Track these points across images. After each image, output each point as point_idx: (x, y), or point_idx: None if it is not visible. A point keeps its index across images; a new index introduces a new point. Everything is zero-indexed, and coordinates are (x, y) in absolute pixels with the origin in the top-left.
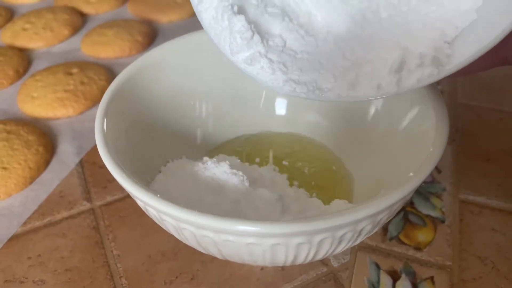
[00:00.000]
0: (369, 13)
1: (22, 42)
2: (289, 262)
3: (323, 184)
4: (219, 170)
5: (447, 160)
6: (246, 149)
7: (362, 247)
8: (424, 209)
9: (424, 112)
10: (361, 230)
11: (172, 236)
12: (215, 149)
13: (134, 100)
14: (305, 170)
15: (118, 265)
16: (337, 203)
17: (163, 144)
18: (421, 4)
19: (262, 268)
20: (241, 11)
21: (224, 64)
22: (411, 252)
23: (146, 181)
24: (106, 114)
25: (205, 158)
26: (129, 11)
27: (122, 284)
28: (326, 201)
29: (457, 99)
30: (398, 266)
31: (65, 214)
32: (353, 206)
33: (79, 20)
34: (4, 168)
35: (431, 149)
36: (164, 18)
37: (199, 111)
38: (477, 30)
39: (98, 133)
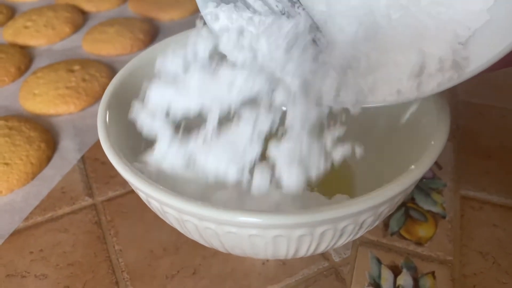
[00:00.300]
0: (379, 16)
1: (24, 39)
2: (290, 254)
3: (323, 179)
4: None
5: (448, 157)
6: None
7: (364, 242)
8: (425, 205)
9: (425, 105)
10: (363, 222)
11: (173, 231)
12: None
13: (136, 95)
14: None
15: (120, 259)
16: (338, 197)
17: None
18: (431, 4)
19: (263, 263)
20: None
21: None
22: (412, 247)
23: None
24: (108, 107)
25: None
26: (130, 9)
27: (124, 279)
28: (327, 196)
29: (458, 96)
30: (399, 261)
31: (67, 209)
32: (354, 198)
33: (80, 18)
34: (6, 164)
35: (432, 142)
36: (165, 16)
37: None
38: (492, 32)
39: (101, 126)
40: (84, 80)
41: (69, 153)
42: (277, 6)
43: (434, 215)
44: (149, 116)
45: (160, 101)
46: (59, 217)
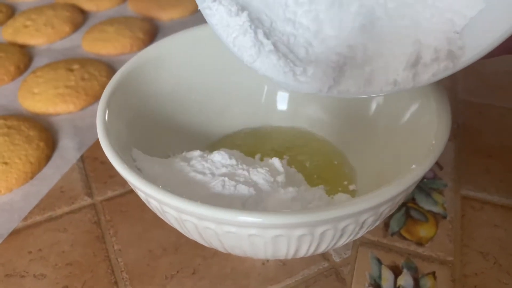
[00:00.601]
0: (376, 5)
1: (23, 38)
2: (290, 255)
3: (325, 178)
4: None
5: (449, 156)
6: (247, 143)
7: (364, 242)
8: (426, 205)
9: (425, 105)
10: (363, 222)
11: (173, 231)
12: (215, 143)
13: (136, 94)
14: (307, 164)
15: (119, 259)
16: (340, 197)
17: (164, 137)
18: None
19: (263, 263)
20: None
21: (225, 58)
22: (412, 247)
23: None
24: (108, 106)
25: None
26: (129, 8)
27: (123, 278)
28: (328, 194)
29: (458, 95)
30: (400, 261)
31: (66, 209)
32: (355, 198)
33: (80, 17)
34: (5, 163)
35: (433, 141)
36: (165, 16)
37: (200, 105)
38: (487, 20)
39: (100, 125)
40: (83, 79)
41: (68, 152)
42: None
43: (435, 215)
44: None
45: None
46: (58, 216)
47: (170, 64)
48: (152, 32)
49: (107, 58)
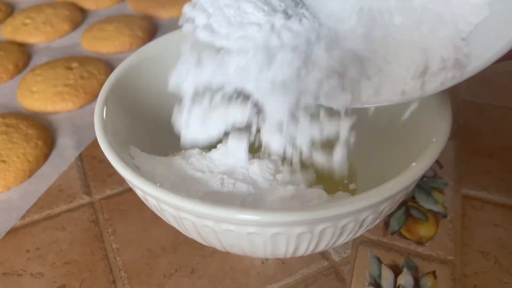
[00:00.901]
0: (380, 15)
1: (22, 37)
2: (290, 253)
3: (325, 176)
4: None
5: (449, 156)
6: None
7: (364, 241)
8: (426, 204)
9: (426, 103)
10: (363, 220)
11: (171, 230)
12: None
13: (134, 91)
14: (306, 163)
15: (117, 258)
16: (340, 195)
17: (162, 135)
18: (431, 0)
19: (262, 262)
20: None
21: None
22: (413, 247)
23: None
24: (106, 103)
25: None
26: (129, 6)
27: (121, 277)
28: (328, 193)
29: (459, 95)
30: (400, 260)
31: (64, 207)
32: (355, 195)
33: (79, 16)
34: (3, 161)
35: (434, 139)
36: (164, 14)
37: None
38: (493, 27)
39: (98, 123)
40: (82, 77)
41: (66, 150)
42: (280, 5)
43: (435, 214)
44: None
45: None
46: (56, 215)
47: (168, 62)
48: (152, 30)
49: (107, 56)
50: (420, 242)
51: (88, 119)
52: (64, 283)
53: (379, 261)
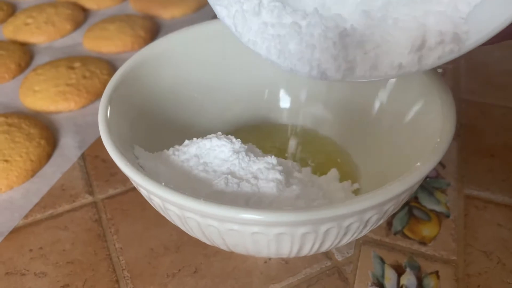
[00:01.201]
0: None
1: (24, 36)
2: (294, 253)
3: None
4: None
5: (452, 156)
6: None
7: (366, 241)
8: (429, 204)
9: (430, 103)
10: (368, 220)
11: (174, 229)
12: None
13: (138, 91)
14: (309, 162)
15: (120, 257)
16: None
17: (166, 135)
18: None
19: (265, 262)
20: None
21: (227, 56)
22: (415, 247)
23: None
24: (110, 103)
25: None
26: (131, 6)
27: (124, 277)
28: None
29: (461, 95)
30: (403, 260)
31: (67, 207)
32: (360, 195)
33: (81, 15)
34: (6, 161)
35: (438, 139)
36: (166, 14)
37: (202, 103)
38: (490, 7)
39: (102, 122)
40: (84, 77)
41: (69, 150)
42: None
43: (438, 214)
44: None
45: None
46: (59, 214)
47: (172, 62)
48: (154, 30)
49: (108, 56)
50: (423, 242)
51: (90, 119)
52: (67, 282)
53: (382, 261)
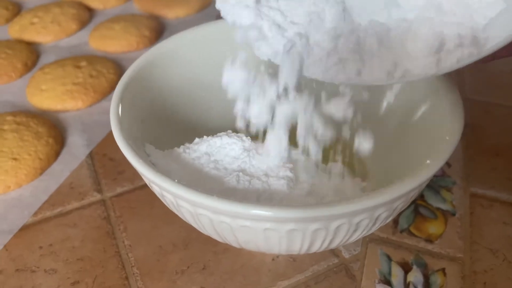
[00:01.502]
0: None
1: (30, 36)
2: (304, 250)
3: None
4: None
5: (457, 154)
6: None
7: (373, 239)
8: (435, 202)
9: (437, 102)
10: (377, 217)
11: (183, 227)
12: None
13: (147, 89)
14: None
15: (130, 254)
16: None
17: (176, 133)
18: None
19: (273, 259)
20: None
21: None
22: (422, 244)
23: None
24: (121, 101)
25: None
26: (135, 6)
27: (134, 274)
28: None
29: (466, 94)
30: (409, 257)
31: (75, 204)
32: (371, 192)
33: (86, 15)
34: (15, 159)
35: (447, 137)
36: (171, 14)
37: (210, 101)
38: (508, 16)
39: (114, 120)
40: (91, 76)
41: (77, 148)
42: None
43: (444, 212)
44: None
45: None
46: (68, 212)
47: (181, 61)
48: (159, 30)
49: (114, 55)
50: (429, 240)
51: (97, 118)
52: (77, 279)
53: (389, 259)
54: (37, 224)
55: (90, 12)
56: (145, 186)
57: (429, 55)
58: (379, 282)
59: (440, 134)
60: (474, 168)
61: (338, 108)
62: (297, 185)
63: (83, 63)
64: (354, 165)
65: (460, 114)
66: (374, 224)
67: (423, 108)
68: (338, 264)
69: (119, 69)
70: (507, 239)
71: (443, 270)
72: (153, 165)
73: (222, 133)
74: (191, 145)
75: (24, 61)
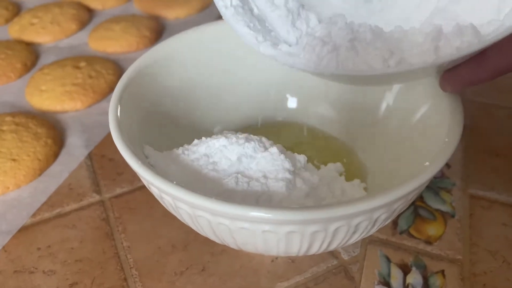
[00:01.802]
0: None
1: (30, 36)
2: (303, 251)
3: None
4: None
5: (457, 156)
6: None
7: (373, 240)
8: (434, 204)
9: (437, 103)
10: (376, 219)
11: (181, 228)
12: None
13: (146, 90)
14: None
15: (128, 256)
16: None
17: (174, 134)
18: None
19: (272, 260)
20: None
21: (235, 56)
22: (421, 246)
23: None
24: (120, 102)
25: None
26: (135, 6)
27: (132, 275)
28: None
29: (466, 95)
30: (409, 259)
31: (74, 206)
32: (369, 194)
33: (86, 15)
34: (14, 160)
35: (446, 139)
36: (170, 14)
37: (210, 103)
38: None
39: (113, 122)
40: (90, 77)
41: (76, 149)
42: None
43: (443, 214)
44: None
45: None
46: (66, 213)
47: (180, 62)
48: (158, 30)
49: (114, 56)
50: (428, 242)
51: (96, 118)
52: (76, 280)
53: (388, 260)
54: (35, 225)
55: (90, 13)
56: (144, 187)
57: (425, 42)
58: (378, 284)
59: (440, 136)
60: (474, 170)
61: None
62: (296, 187)
63: (83, 64)
64: (354, 166)
65: (459, 115)
66: (373, 226)
67: (422, 110)
68: (337, 266)
69: (119, 70)
70: (506, 241)
71: (442, 271)
72: (151, 166)
73: (220, 135)
74: (190, 147)
75: (23, 62)
